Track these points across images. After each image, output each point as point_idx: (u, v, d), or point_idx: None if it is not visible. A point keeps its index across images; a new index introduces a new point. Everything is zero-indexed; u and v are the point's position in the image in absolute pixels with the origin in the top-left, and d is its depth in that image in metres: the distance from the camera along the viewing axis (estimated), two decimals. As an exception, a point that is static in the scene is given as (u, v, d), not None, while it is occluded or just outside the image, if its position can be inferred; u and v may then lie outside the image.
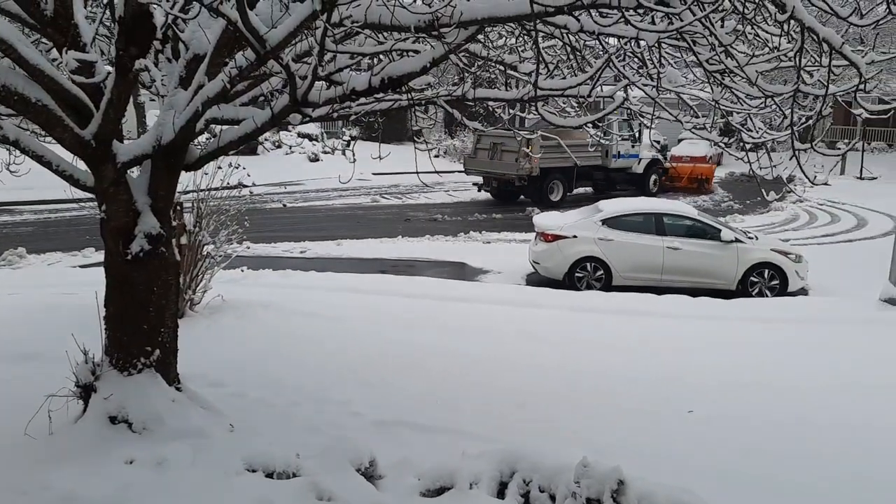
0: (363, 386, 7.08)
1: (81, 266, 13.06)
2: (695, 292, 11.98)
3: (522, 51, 6.40)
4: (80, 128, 4.72)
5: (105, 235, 5.27)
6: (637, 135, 24.50)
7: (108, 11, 5.08)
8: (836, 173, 28.69)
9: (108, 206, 5.13)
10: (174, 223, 6.67)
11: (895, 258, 11.35)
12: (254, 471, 4.59)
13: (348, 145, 30.42)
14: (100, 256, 5.82)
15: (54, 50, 5.25)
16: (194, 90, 4.64)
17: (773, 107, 5.55)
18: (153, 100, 5.52)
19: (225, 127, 5.38)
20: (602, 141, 22.48)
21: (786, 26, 4.41)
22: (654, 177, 25.69)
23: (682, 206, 13.65)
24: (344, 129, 34.49)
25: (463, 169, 23.90)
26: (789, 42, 4.89)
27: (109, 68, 4.73)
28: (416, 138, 6.84)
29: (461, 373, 7.73)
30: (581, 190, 24.39)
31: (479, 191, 23.75)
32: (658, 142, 25.57)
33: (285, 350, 8.11)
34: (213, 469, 4.54)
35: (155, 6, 4.40)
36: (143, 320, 5.33)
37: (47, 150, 4.84)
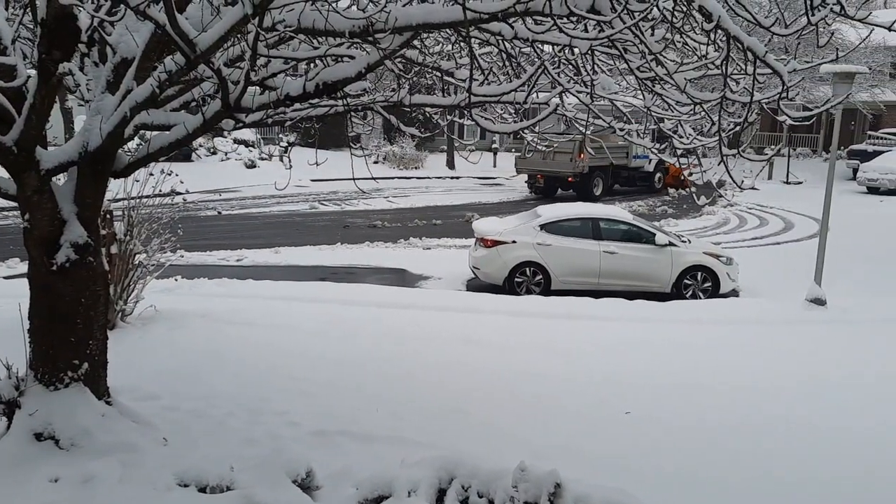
0: (302, 395, 6.97)
1: (5, 277, 12.56)
2: (631, 295, 12.20)
3: (459, 57, 6.43)
4: (1, 134, 4.55)
5: (29, 245, 5.08)
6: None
7: (29, 13, 4.90)
8: (763, 178, 29.76)
9: (31, 214, 4.96)
10: (103, 232, 6.50)
11: (820, 260, 11.76)
12: (186, 485, 4.47)
13: (286, 151, 30.10)
14: (24, 267, 5.61)
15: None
16: (122, 95, 4.51)
17: (703, 113, 5.70)
18: (81, 105, 5.33)
19: (155, 133, 5.25)
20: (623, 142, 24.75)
21: (712, 35, 4.53)
22: (658, 174, 28.82)
23: (617, 210, 13.87)
24: (281, 135, 34.11)
25: (514, 168, 27.58)
26: (716, 51, 5.02)
27: (32, 72, 4.57)
28: (352, 144, 6.79)
29: (402, 380, 7.69)
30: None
31: (530, 188, 27.54)
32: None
33: (221, 361, 7.94)
34: (142, 485, 4.41)
35: (80, 8, 4.28)
36: (70, 333, 5.16)
37: (-35, 157, 4.65)
